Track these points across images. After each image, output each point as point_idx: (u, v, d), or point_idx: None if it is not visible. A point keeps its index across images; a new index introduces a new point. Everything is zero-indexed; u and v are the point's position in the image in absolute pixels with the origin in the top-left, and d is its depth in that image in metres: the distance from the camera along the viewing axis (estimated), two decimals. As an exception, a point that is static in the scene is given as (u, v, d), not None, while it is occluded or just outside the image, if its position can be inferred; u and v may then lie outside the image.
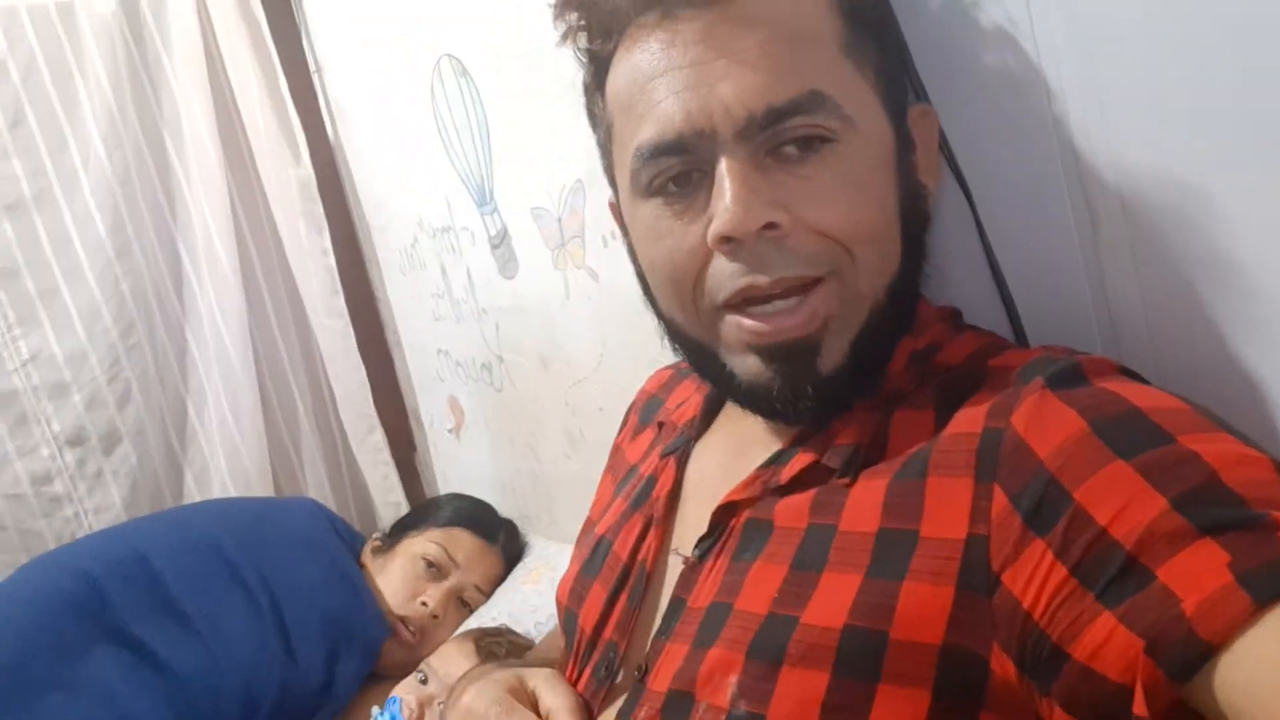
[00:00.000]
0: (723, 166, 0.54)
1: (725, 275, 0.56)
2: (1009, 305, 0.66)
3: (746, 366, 0.58)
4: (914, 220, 0.60)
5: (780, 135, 0.54)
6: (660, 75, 0.56)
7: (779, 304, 0.56)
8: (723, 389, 0.64)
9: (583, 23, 0.60)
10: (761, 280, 0.55)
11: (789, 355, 0.56)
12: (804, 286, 0.55)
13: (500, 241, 1.34)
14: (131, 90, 1.60)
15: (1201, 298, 0.56)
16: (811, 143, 0.54)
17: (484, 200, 1.34)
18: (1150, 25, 0.54)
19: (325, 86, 1.74)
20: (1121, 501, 0.44)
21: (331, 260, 1.72)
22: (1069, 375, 0.51)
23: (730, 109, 0.54)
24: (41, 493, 1.58)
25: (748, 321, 0.57)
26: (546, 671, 0.67)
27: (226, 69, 1.65)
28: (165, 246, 1.66)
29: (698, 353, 0.62)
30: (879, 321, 0.58)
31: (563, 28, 0.62)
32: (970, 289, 0.68)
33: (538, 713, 0.64)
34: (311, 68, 1.74)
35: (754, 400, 0.60)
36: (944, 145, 0.66)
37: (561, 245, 1.20)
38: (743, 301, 0.56)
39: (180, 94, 1.62)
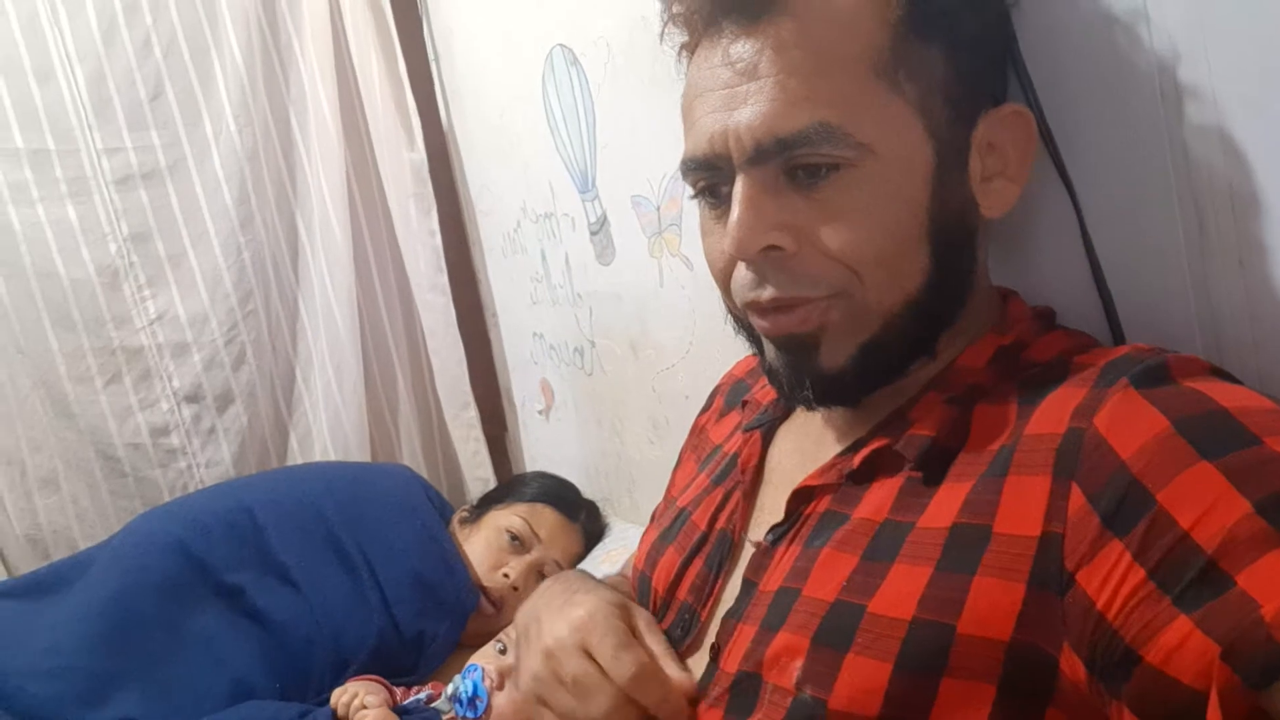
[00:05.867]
0: (736, 188, 0.58)
1: (740, 284, 0.61)
2: (1108, 305, 0.65)
3: (768, 352, 0.63)
4: (951, 235, 0.59)
5: (790, 161, 0.56)
6: (700, 95, 0.60)
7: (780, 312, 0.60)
8: (762, 368, 0.67)
9: (673, 24, 0.63)
10: (764, 296, 0.59)
11: (791, 348, 0.61)
12: (802, 304, 0.58)
13: (599, 228, 1.37)
14: (263, 69, 1.69)
15: (1310, 304, 0.54)
16: (822, 168, 0.56)
17: (586, 187, 1.37)
18: (1269, 25, 0.52)
19: (442, 73, 1.80)
20: (1205, 505, 0.43)
21: (438, 240, 1.78)
22: (1155, 374, 0.50)
23: (741, 137, 0.56)
24: (159, 444, 1.69)
25: (757, 319, 0.62)
26: (648, 615, 0.69)
27: (351, 54, 1.73)
28: (285, 219, 1.75)
29: (748, 334, 0.66)
30: (893, 334, 0.59)
31: (660, 26, 0.65)
32: (1069, 287, 0.67)
33: None
34: (430, 55, 1.80)
35: (772, 381, 0.65)
36: (1048, 141, 0.65)
37: (658, 233, 1.21)
38: (753, 311, 0.61)
39: (307, 76, 1.71)
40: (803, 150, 0.55)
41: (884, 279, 0.58)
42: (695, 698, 0.60)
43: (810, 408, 0.64)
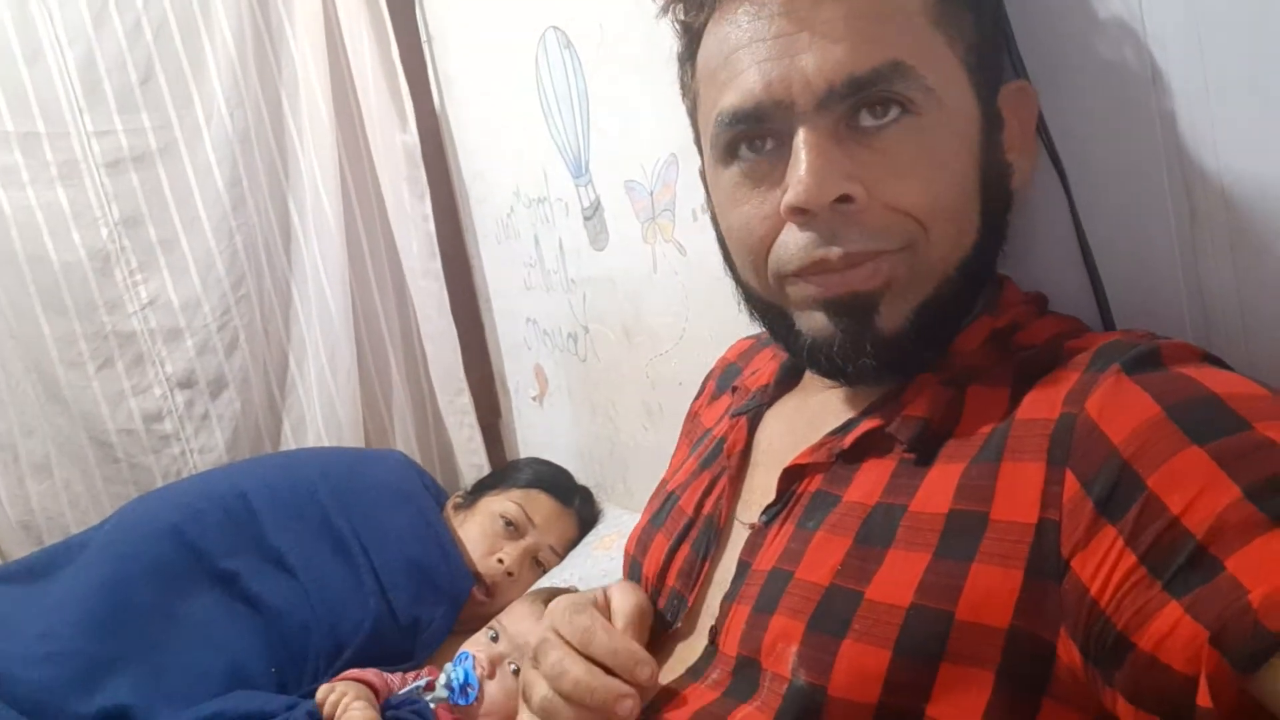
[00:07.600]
0: (800, 137, 0.55)
1: (797, 246, 0.57)
2: (1099, 291, 0.65)
3: (812, 322, 0.59)
4: (996, 198, 0.59)
5: (860, 101, 0.55)
6: (744, 46, 0.57)
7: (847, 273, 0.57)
8: (791, 349, 0.64)
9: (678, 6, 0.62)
10: (834, 253, 0.56)
11: (850, 310, 0.57)
12: (873, 258, 0.56)
13: (593, 213, 1.36)
14: (254, 52, 1.67)
15: (1301, 291, 0.55)
16: (890, 110, 0.55)
17: (579, 172, 1.37)
18: (1261, 18, 0.52)
19: (434, 56, 1.79)
20: (1195, 489, 0.43)
21: (431, 226, 1.78)
22: (1146, 359, 0.50)
23: (811, 80, 0.54)
24: (152, 430, 1.68)
25: (816, 278, 0.58)
26: (625, 582, 0.69)
27: (343, 35, 1.72)
28: (277, 203, 1.74)
29: (768, 314, 0.64)
30: (947, 294, 0.58)
31: (662, 2, 0.63)
32: (1060, 273, 0.67)
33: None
34: (423, 37, 1.79)
35: (816, 356, 0.60)
36: (1041, 126, 0.65)
37: (652, 218, 1.21)
38: (815, 273, 0.57)
39: (299, 58, 1.69)
40: (878, 88, 0.54)
41: (949, 233, 0.57)
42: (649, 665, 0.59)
43: (861, 381, 0.62)
